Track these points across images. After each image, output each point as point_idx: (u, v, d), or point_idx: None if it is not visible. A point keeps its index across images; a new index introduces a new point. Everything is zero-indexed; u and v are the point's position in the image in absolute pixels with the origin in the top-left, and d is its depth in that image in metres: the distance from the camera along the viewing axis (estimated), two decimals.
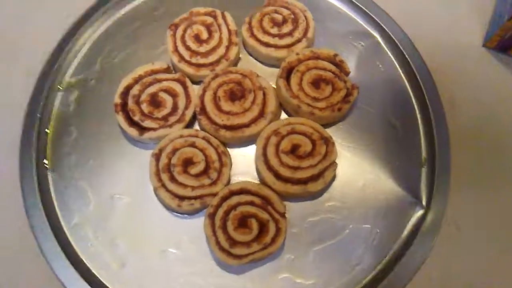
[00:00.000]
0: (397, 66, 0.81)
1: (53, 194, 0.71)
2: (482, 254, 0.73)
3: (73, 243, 0.68)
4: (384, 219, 0.71)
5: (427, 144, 0.75)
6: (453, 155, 0.74)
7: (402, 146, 0.75)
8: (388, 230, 0.70)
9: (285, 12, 0.80)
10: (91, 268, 0.67)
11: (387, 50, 0.82)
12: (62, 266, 0.66)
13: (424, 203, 0.71)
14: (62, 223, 0.69)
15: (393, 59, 0.82)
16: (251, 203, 0.67)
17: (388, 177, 0.73)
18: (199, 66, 0.76)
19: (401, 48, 0.81)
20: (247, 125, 0.72)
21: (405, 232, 0.70)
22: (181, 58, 0.76)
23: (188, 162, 0.69)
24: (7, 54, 0.84)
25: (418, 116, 0.78)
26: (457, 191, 0.73)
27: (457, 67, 0.84)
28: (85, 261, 0.67)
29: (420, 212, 0.71)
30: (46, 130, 0.75)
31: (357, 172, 0.74)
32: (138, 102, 0.73)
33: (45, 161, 0.73)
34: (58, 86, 0.77)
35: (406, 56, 0.80)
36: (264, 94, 0.73)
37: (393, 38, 0.82)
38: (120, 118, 0.72)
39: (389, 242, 0.70)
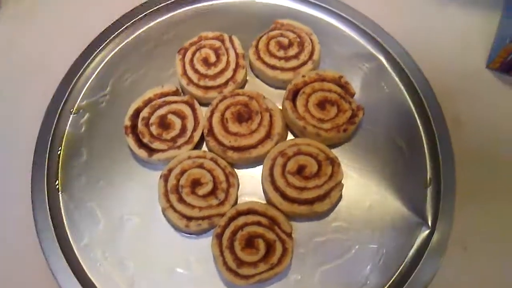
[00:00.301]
0: (402, 87, 0.82)
1: (63, 215, 0.72)
2: (489, 274, 0.73)
3: (82, 263, 0.69)
4: (391, 240, 0.71)
5: (432, 165, 0.76)
6: (458, 175, 0.74)
7: (407, 166, 0.76)
8: (394, 251, 0.70)
9: (291, 35, 0.82)
10: None
11: (392, 72, 0.83)
12: (72, 287, 0.67)
13: (430, 223, 0.72)
14: (72, 244, 0.70)
15: (398, 80, 0.83)
16: (258, 224, 0.68)
17: (394, 197, 0.74)
18: (207, 88, 0.78)
19: (405, 69, 0.82)
20: (254, 146, 0.73)
21: (412, 252, 0.70)
22: (190, 81, 0.78)
23: (196, 183, 0.71)
24: (20, 77, 0.86)
25: (423, 136, 0.78)
26: (463, 211, 0.73)
27: (461, 87, 0.85)
28: (94, 282, 0.68)
29: (426, 233, 0.71)
30: (58, 151, 0.76)
31: (363, 192, 0.74)
32: (147, 124, 0.75)
33: (56, 182, 0.74)
34: (70, 109, 0.79)
35: (410, 77, 0.81)
36: (270, 115, 0.75)
37: (397, 59, 0.83)
38: (130, 140, 0.74)
39: (395, 263, 0.70)
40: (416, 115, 0.80)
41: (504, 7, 0.92)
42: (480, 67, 0.87)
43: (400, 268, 0.69)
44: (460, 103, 0.83)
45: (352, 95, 0.78)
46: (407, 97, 0.81)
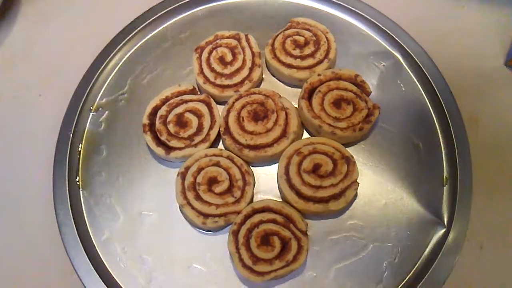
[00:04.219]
0: (418, 86, 0.82)
1: (84, 211, 0.74)
2: (505, 273, 0.73)
3: (102, 257, 0.71)
4: (406, 238, 0.71)
5: (448, 163, 0.76)
6: (475, 174, 0.74)
7: (423, 165, 0.76)
8: (410, 249, 0.71)
9: (307, 34, 0.82)
10: (119, 282, 0.70)
11: (408, 70, 0.83)
12: (92, 280, 0.68)
13: (445, 222, 0.72)
14: (93, 238, 0.72)
15: (414, 79, 0.82)
16: (274, 221, 0.69)
17: (409, 196, 0.74)
18: (223, 87, 0.79)
19: (422, 67, 0.82)
20: (270, 145, 0.74)
21: (427, 251, 0.71)
22: (206, 79, 0.79)
23: (212, 181, 0.72)
24: (41, 77, 0.89)
25: (440, 135, 0.78)
26: (479, 210, 0.73)
27: (479, 85, 0.85)
28: (113, 275, 0.70)
29: (442, 231, 0.71)
30: (78, 149, 0.78)
31: (378, 191, 0.75)
32: (165, 123, 0.76)
33: (77, 178, 0.76)
34: (90, 107, 0.81)
35: (427, 75, 0.81)
36: (286, 114, 0.75)
37: (414, 57, 0.83)
38: (148, 138, 0.75)
39: (411, 261, 0.70)
40: (432, 114, 0.80)
41: None
42: (498, 64, 0.87)
43: (416, 267, 0.70)
44: (477, 101, 0.83)
45: (368, 93, 0.78)
46: (424, 95, 0.81)
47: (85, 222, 0.73)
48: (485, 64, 0.87)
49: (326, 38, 0.82)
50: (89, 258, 0.70)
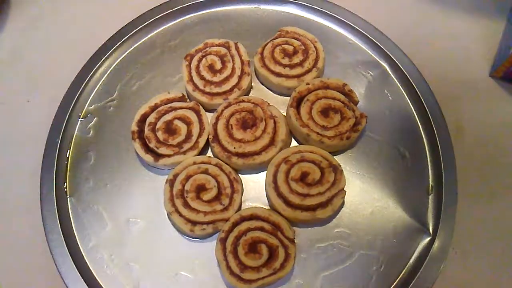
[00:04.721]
0: (405, 95, 0.83)
1: (71, 218, 0.74)
2: (489, 281, 0.74)
3: (89, 265, 0.71)
4: (392, 246, 0.72)
5: (434, 172, 0.77)
6: (460, 183, 0.75)
7: (409, 174, 0.77)
8: (395, 257, 0.72)
9: (296, 43, 0.83)
10: None
11: (395, 80, 0.84)
12: (79, 287, 0.68)
13: (431, 230, 0.73)
14: (80, 245, 0.72)
15: (401, 88, 0.84)
16: (261, 229, 0.69)
17: (396, 204, 0.75)
18: (212, 95, 0.79)
19: (408, 77, 0.83)
20: (258, 153, 0.74)
21: (413, 259, 0.72)
22: (196, 87, 0.80)
23: (201, 188, 0.72)
24: (30, 83, 0.88)
25: (426, 144, 0.79)
26: (464, 218, 0.75)
27: (464, 95, 0.86)
28: (101, 283, 0.70)
29: (427, 239, 0.72)
30: (66, 155, 0.78)
31: (365, 199, 0.75)
32: (154, 130, 0.76)
33: (64, 185, 0.76)
34: (79, 114, 0.81)
35: (414, 85, 0.82)
36: (275, 122, 0.76)
37: (401, 67, 0.84)
38: (137, 145, 0.75)
39: (396, 269, 0.71)
40: (419, 123, 0.81)
41: (508, 16, 0.93)
42: (483, 75, 0.88)
43: (401, 275, 0.71)
44: (462, 111, 0.84)
45: (356, 103, 0.79)
46: (410, 104, 0.82)
47: (72, 229, 0.73)
48: (471, 75, 0.88)
49: (315, 47, 0.83)
50: (76, 266, 0.69)
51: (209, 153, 0.78)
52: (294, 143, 0.79)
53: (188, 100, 0.81)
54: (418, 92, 0.82)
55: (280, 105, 0.80)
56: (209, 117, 0.78)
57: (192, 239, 0.72)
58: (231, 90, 0.79)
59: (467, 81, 0.87)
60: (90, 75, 0.83)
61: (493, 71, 0.87)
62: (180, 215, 0.71)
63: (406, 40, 0.87)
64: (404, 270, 0.71)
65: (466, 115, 0.84)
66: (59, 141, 0.78)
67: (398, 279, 0.70)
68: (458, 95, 0.86)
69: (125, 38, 0.86)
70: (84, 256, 0.71)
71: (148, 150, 0.75)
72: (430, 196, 0.75)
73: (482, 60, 0.90)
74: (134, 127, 0.76)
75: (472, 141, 0.82)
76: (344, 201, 0.74)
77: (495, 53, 0.89)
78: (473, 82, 0.87)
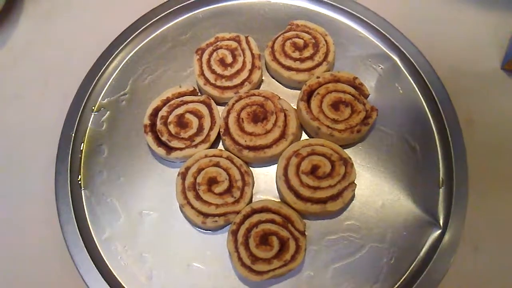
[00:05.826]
0: (416, 88, 0.83)
1: (85, 210, 0.75)
2: (500, 274, 0.74)
3: (104, 256, 0.72)
4: (402, 239, 0.72)
5: (444, 165, 0.77)
6: (471, 176, 0.75)
7: (420, 167, 0.77)
8: (406, 250, 0.72)
9: (306, 36, 0.83)
10: (120, 280, 0.71)
11: (406, 73, 0.84)
12: (94, 278, 0.70)
13: (441, 223, 0.73)
14: (94, 237, 0.74)
15: (412, 81, 0.83)
16: (272, 221, 0.70)
17: (406, 197, 0.75)
18: (223, 88, 0.80)
19: (419, 70, 0.83)
20: (269, 146, 0.75)
21: (423, 252, 0.72)
22: (207, 81, 0.80)
23: (212, 181, 0.73)
24: (44, 77, 0.90)
25: (436, 137, 0.79)
26: (474, 211, 0.74)
27: (475, 88, 0.86)
28: (114, 273, 0.71)
29: (438, 232, 0.72)
30: (80, 148, 0.79)
31: (376, 192, 0.76)
32: (166, 123, 0.77)
33: (78, 178, 0.77)
34: (92, 107, 0.82)
35: (424, 78, 0.82)
36: (285, 116, 0.77)
37: (412, 60, 0.84)
38: (149, 138, 0.76)
39: (406, 262, 0.71)
40: (429, 116, 0.81)
41: None
42: (495, 68, 0.88)
43: (411, 267, 0.71)
44: (473, 104, 0.84)
45: (366, 96, 0.79)
46: (421, 98, 0.82)
47: (87, 221, 0.74)
48: (482, 67, 0.88)
49: (325, 40, 0.83)
50: (90, 256, 0.71)
51: (220, 146, 0.79)
52: (304, 136, 0.80)
53: (199, 94, 0.82)
54: (429, 85, 0.81)
55: (290, 98, 0.81)
56: (220, 111, 0.79)
57: (204, 231, 0.73)
58: (242, 83, 0.80)
59: (478, 74, 0.87)
60: (103, 70, 0.84)
61: (505, 64, 0.86)
62: (192, 207, 0.72)
63: (416, 33, 0.86)
64: (415, 263, 0.71)
65: (477, 108, 0.84)
66: (73, 135, 0.79)
67: (408, 271, 0.71)
68: (469, 88, 0.85)
69: (137, 32, 0.87)
70: (98, 247, 0.73)
71: (160, 143, 0.76)
72: (440, 189, 0.75)
73: (493, 53, 0.89)
74: (146, 121, 0.77)
75: (483, 134, 0.82)
76: (354, 194, 0.74)
77: (507, 46, 0.89)
78: (484, 75, 0.87)
